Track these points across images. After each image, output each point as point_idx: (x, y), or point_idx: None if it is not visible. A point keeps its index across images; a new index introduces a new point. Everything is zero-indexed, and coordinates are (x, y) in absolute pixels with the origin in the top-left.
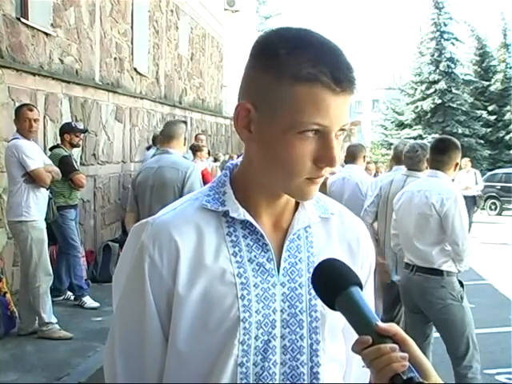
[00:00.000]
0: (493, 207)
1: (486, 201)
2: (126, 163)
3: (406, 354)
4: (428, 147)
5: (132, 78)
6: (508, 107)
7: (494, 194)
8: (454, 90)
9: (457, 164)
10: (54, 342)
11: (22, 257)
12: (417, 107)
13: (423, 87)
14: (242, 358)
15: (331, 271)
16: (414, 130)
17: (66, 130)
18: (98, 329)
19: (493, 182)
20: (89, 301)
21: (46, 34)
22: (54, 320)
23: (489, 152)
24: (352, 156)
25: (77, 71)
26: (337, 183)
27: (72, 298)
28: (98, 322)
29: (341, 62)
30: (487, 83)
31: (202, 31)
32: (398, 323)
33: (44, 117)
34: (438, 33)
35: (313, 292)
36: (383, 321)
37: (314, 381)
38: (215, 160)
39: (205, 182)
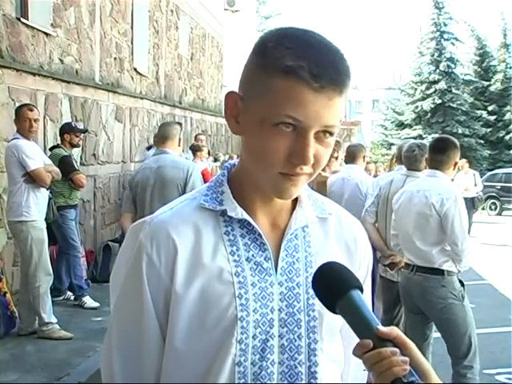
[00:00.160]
0: (493, 207)
1: (485, 201)
2: (126, 163)
3: (406, 358)
4: (426, 147)
5: (132, 77)
6: (508, 107)
7: (494, 194)
8: (453, 90)
9: (456, 163)
10: (54, 342)
11: (22, 257)
12: (417, 107)
13: (423, 87)
14: (240, 357)
15: (331, 274)
16: (414, 130)
17: (66, 130)
18: (98, 329)
19: (493, 182)
20: (89, 301)
21: (46, 34)
22: (54, 320)
23: (489, 152)
24: (352, 156)
25: (77, 71)
26: (337, 183)
27: (72, 297)
28: (98, 322)
29: (329, 61)
30: (487, 83)
31: (201, 31)
32: (397, 324)
33: (44, 117)
34: (438, 33)
35: (311, 291)
36: (383, 321)
37: (312, 380)
38: (215, 160)
39: (205, 182)
